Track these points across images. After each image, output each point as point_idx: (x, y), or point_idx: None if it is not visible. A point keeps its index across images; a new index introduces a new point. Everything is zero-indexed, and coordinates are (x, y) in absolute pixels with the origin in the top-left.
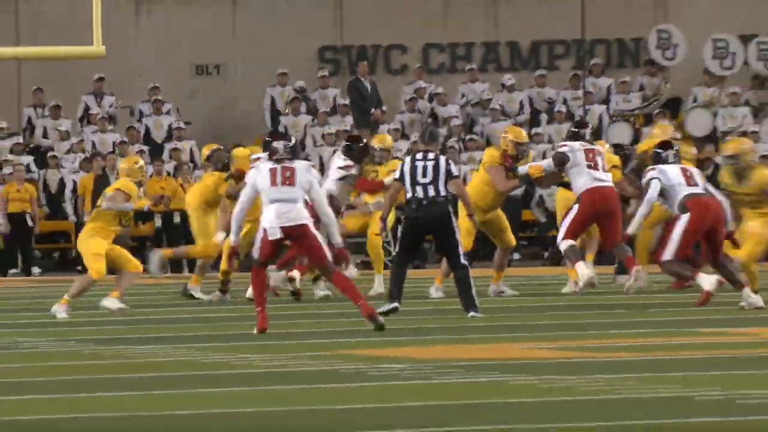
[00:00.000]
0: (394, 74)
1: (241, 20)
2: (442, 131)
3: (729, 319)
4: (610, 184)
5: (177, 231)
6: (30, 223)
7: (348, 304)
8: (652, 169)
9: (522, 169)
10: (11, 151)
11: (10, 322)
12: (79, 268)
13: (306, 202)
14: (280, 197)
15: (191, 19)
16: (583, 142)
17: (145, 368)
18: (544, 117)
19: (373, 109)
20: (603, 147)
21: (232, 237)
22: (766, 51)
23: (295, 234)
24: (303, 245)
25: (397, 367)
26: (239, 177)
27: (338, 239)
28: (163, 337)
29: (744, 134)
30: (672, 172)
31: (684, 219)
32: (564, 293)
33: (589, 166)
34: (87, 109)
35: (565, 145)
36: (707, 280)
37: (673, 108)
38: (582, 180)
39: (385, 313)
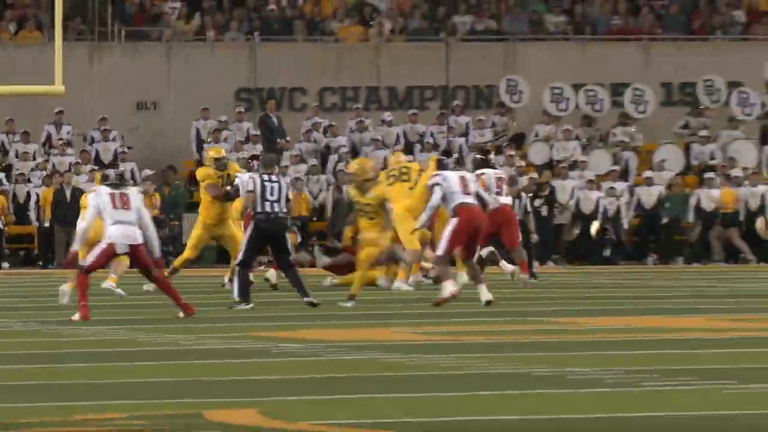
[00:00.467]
0: (296, 111)
1: (173, 67)
2: (333, 157)
3: (558, 310)
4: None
5: None
6: (1, 226)
7: (273, 294)
8: (437, 175)
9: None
10: None
11: None
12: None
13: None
14: (121, 219)
15: (134, 65)
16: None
17: (93, 345)
18: (417, 147)
19: (279, 139)
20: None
21: (75, 246)
22: (593, 97)
23: (134, 251)
24: (140, 260)
25: (295, 346)
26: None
27: (155, 253)
28: (109, 320)
29: (575, 163)
30: (453, 179)
31: (453, 222)
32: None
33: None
34: (49, 135)
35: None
36: (451, 284)
37: (518, 141)
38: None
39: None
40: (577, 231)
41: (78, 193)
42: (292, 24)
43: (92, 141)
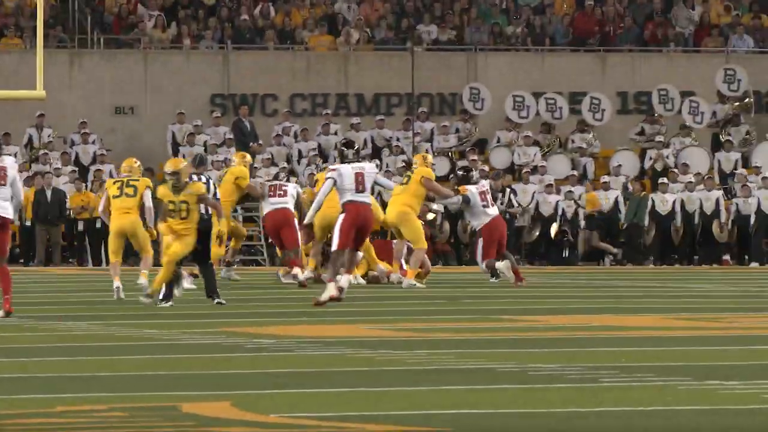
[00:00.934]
0: (268, 116)
1: (150, 73)
2: (305, 160)
3: (525, 308)
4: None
5: (98, 233)
6: None
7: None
8: (333, 170)
9: None
10: None
11: None
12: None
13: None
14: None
15: (112, 71)
16: (477, 185)
17: (71, 339)
18: (386, 151)
19: (251, 143)
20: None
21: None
22: (553, 104)
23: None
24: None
25: (267, 341)
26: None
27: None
28: (86, 315)
29: (535, 168)
30: (348, 175)
31: (340, 218)
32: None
33: (483, 205)
34: (30, 138)
35: (468, 189)
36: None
37: (480, 146)
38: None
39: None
40: (536, 233)
41: (59, 193)
42: (264, 33)
43: (72, 144)
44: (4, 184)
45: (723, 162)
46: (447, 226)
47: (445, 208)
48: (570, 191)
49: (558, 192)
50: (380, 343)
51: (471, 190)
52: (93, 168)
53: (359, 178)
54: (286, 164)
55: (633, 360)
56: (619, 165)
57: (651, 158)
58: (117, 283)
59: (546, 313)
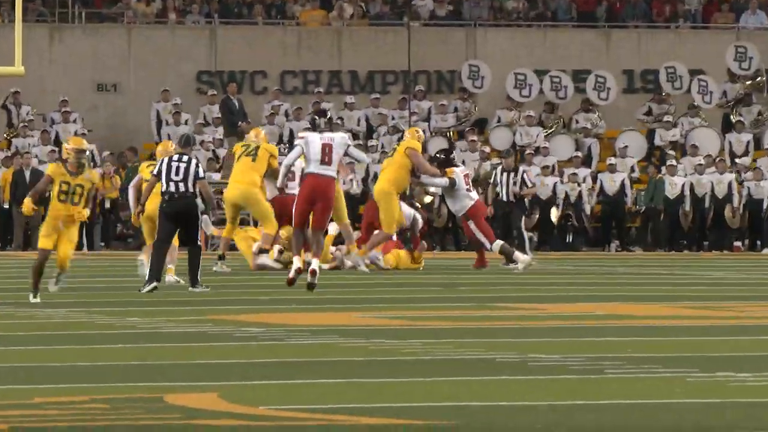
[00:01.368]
0: (257, 94)
1: (134, 48)
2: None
3: (526, 296)
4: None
5: None
6: None
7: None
8: (302, 137)
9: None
10: None
11: None
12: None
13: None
14: None
15: (94, 46)
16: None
17: (50, 327)
18: (382, 129)
19: (240, 122)
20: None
21: None
22: (557, 83)
23: None
24: None
25: (256, 330)
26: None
27: None
28: (66, 302)
29: (537, 149)
30: (315, 145)
31: (299, 191)
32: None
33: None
34: (9, 115)
35: (454, 173)
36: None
37: (480, 126)
38: None
39: (149, 292)
40: (536, 216)
41: (38, 174)
42: (253, 7)
43: (52, 122)
44: None
45: (734, 143)
46: (444, 209)
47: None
48: (574, 173)
49: (561, 174)
50: (374, 332)
51: (456, 172)
52: None
53: (326, 149)
54: (283, 145)
55: (639, 350)
56: (626, 146)
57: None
58: (143, 257)
59: (548, 301)
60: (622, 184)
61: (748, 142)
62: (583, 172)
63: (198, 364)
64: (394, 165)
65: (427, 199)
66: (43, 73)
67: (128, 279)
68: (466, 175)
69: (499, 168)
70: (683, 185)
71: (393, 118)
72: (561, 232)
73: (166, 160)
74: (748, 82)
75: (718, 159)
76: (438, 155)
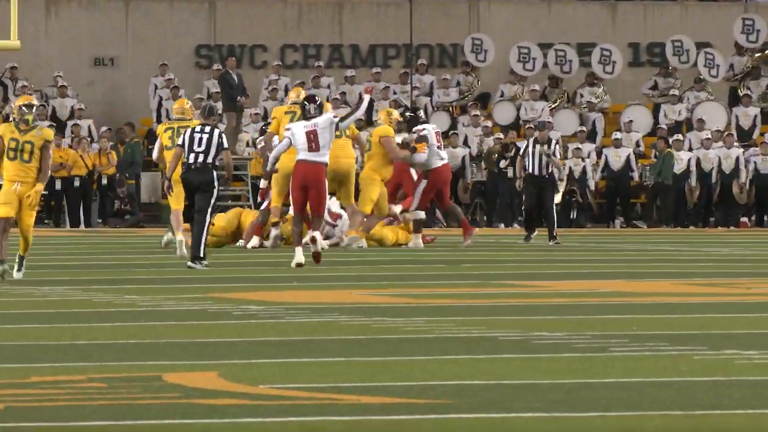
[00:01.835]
0: (257, 69)
1: (131, 22)
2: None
3: (529, 273)
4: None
5: (77, 192)
6: None
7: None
8: (288, 128)
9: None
10: None
11: None
12: None
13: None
14: None
15: (91, 20)
16: (430, 125)
17: (47, 305)
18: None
19: (239, 97)
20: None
21: None
22: (562, 56)
23: None
24: None
25: (255, 308)
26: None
27: None
28: (63, 280)
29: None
30: (299, 135)
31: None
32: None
33: (438, 147)
34: (5, 89)
35: (423, 129)
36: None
37: (483, 101)
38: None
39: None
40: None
41: None
42: None
43: (47, 97)
44: None
45: (741, 117)
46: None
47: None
48: (578, 149)
49: (565, 149)
50: (375, 310)
51: (428, 128)
52: (70, 123)
53: (311, 136)
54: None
55: (644, 328)
56: (631, 121)
57: None
58: (180, 236)
59: (552, 279)
60: (628, 160)
61: (756, 116)
62: (588, 147)
63: (197, 342)
64: (375, 157)
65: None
66: (39, 48)
67: (126, 256)
68: (437, 133)
69: (531, 140)
70: (689, 160)
71: (394, 93)
72: (565, 209)
73: (189, 131)
74: (757, 55)
75: (726, 134)
76: (407, 114)
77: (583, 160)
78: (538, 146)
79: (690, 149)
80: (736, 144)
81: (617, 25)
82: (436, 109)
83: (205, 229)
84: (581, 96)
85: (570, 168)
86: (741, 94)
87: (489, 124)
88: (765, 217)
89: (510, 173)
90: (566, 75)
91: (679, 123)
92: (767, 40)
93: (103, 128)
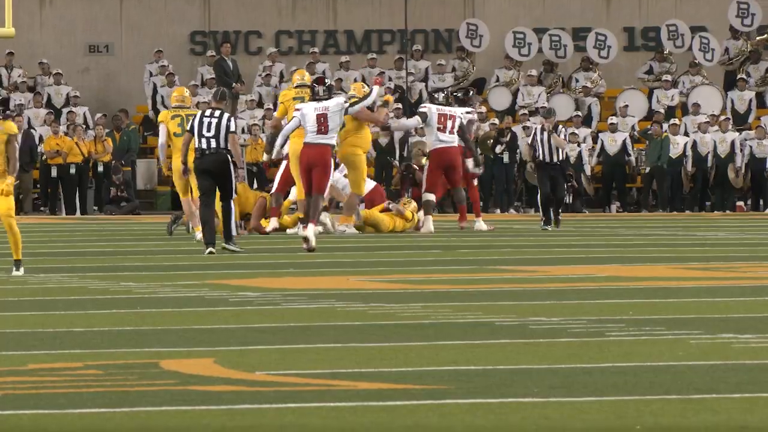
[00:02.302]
0: (252, 55)
1: (126, 9)
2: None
3: (526, 259)
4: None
5: (72, 179)
6: None
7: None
8: (298, 109)
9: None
10: None
11: None
12: None
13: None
14: None
15: (86, 7)
16: (438, 106)
17: (44, 293)
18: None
19: (234, 83)
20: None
21: None
22: (557, 41)
23: None
24: None
25: (252, 294)
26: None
27: None
28: (60, 267)
29: (536, 109)
30: (310, 117)
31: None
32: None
33: (438, 129)
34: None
35: (425, 106)
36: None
37: (479, 86)
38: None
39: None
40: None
41: (30, 137)
42: None
43: (35, 84)
44: None
45: (736, 102)
46: None
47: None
48: (574, 133)
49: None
50: (372, 296)
51: (430, 108)
52: (66, 110)
53: (321, 119)
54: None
55: (641, 312)
56: (626, 105)
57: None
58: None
59: (548, 264)
60: (623, 144)
61: (751, 100)
62: (583, 131)
63: (194, 329)
64: (350, 132)
65: (425, 160)
66: (33, 35)
67: (123, 243)
68: (443, 115)
69: (539, 128)
70: (685, 144)
71: (390, 79)
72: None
73: (198, 115)
74: (759, 38)
75: (723, 118)
76: (455, 94)
77: (579, 145)
78: (545, 133)
79: (686, 133)
80: (731, 128)
81: (612, 9)
82: (431, 94)
83: (233, 212)
84: (576, 81)
85: (565, 153)
86: (738, 78)
87: (484, 109)
88: (761, 201)
89: (506, 159)
90: (561, 60)
91: (672, 108)
92: (762, 24)
93: (98, 115)
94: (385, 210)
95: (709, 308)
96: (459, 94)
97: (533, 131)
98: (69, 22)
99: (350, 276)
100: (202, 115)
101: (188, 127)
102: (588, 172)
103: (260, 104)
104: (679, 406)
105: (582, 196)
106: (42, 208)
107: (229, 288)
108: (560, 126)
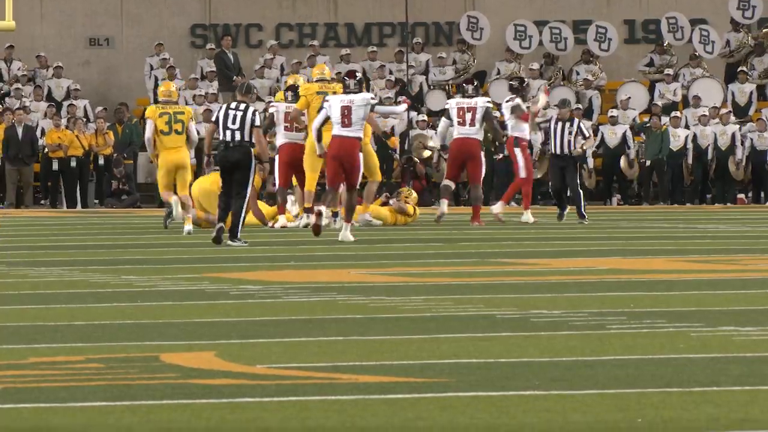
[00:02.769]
0: (252, 48)
1: (126, 2)
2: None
3: (526, 251)
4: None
5: (73, 172)
6: None
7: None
8: (327, 101)
9: None
10: None
11: None
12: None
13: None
14: None
15: (86, 0)
16: (458, 99)
17: (44, 286)
18: (377, 83)
19: (235, 76)
20: None
21: None
22: (558, 34)
23: None
24: None
25: (253, 287)
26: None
27: None
28: (60, 261)
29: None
30: (335, 107)
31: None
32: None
33: (458, 122)
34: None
35: (447, 103)
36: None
37: (479, 79)
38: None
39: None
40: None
41: (31, 131)
42: None
43: (44, 78)
44: None
45: (737, 94)
46: (443, 164)
47: (443, 147)
48: (593, 126)
49: None
50: (373, 289)
51: (450, 102)
52: (66, 104)
53: (345, 111)
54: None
55: (642, 305)
56: (627, 98)
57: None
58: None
59: (549, 256)
60: (624, 137)
61: (752, 93)
62: (585, 124)
63: (194, 322)
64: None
65: (426, 153)
66: (34, 28)
67: (124, 236)
68: (461, 108)
69: (553, 119)
70: (686, 137)
71: (390, 72)
72: None
73: (224, 107)
74: (764, 30)
75: (725, 111)
76: (511, 82)
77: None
78: (560, 124)
79: (686, 126)
80: (732, 120)
81: (612, 2)
82: (432, 87)
83: (244, 208)
84: (577, 74)
85: (583, 148)
86: (740, 70)
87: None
88: (761, 194)
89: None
90: (562, 53)
91: (674, 103)
92: (763, 16)
93: (99, 108)
94: (385, 204)
95: (710, 301)
96: (514, 83)
97: (547, 122)
98: (69, 15)
99: (351, 269)
100: (228, 107)
101: (213, 119)
102: (590, 165)
103: (259, 98)
104: (680, 398)
105: (583, 189)
106: (43, 202)
107: (230, 281)
108: (576, 120)
